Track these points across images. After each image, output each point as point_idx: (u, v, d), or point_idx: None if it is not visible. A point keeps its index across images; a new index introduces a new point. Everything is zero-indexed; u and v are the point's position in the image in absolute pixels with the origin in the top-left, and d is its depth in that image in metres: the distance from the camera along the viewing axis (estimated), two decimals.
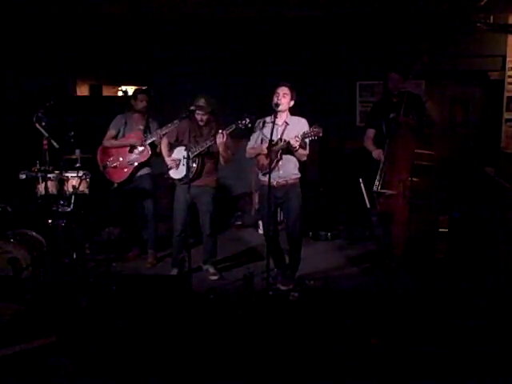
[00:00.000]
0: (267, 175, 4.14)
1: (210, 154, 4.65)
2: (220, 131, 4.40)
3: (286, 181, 4.38)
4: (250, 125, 4.34)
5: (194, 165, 4.55)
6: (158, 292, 4.16)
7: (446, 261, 4.93)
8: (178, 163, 4.67)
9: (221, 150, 4.53)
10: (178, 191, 4.73)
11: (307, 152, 4.37)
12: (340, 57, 6.66)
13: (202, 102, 4.51)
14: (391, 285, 4.44)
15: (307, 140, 4.25)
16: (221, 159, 4.66)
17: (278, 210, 4.80)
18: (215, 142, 4.47)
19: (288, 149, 4.24)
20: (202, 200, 4.70)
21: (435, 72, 6.11)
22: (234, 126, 4.38)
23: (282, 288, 4.46)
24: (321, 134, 4.10)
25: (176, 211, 4.73)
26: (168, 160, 4.71)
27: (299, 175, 4.47)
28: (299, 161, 4.41)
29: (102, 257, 5.32)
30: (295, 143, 4.16)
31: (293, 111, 4.42)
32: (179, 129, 4.70)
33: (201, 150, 4.53)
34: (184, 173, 4.54)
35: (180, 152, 4.69)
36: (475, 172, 6.17)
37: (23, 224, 4.73)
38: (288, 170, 4.37)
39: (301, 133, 4.18)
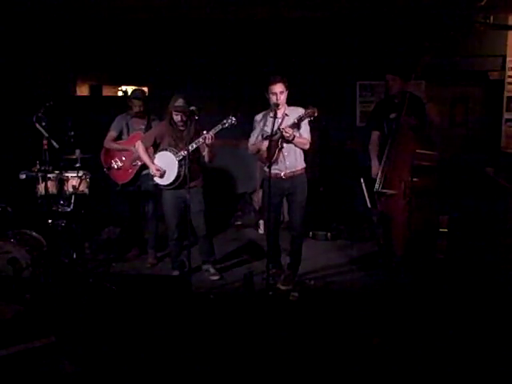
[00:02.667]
0: (273, 168, 4.19)
1: (195, 156, 4.54)
2: (205, 132, 4.32)
3: (293, 172, 4.39)
4: (235, 123, 4.28)
5: (181, 169, 4.43)
6: (158, 292, 4.16)
7: (446, 261, 4.93)
8: (162, 173, 4.52)
9: (206, 150, 4.47)
10: (166, 196, 4.64)
11: (308, 139, 4.35)
12: (340, 57, 6.66)
13: (181, 101, 4.39)
14: (391, 285, 4.45)
15: (304, 125, 4.27)
16: (206, 158, 4.57)
17: (281, 210, 4.77)
18: (201, 144, 4.39)
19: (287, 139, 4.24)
20: (193, 201, 4.54)
21: (435, 72, 6.11)
22: (220, 127, 4.31)
23: (282, 288, 4.45)
24: (316, 114, 4.12)
25: (168, 216, 4.66)
26: (153, 168, 4.53)
27: (304, 165, 4.47)
28: (304, 151, 4.41)
29: (102, 257, 5.33)
30: (285, 134, 4.16)
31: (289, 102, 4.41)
32: (156, 132, 4.60)
33: (187, 153, 4.30)
34: (171, 179, 4.48)
35: (161, 158, 4.55)
36: (475, 172, 6.17)
37: (23, 224, 4.72)
38: (294, 160, 4.38)
39: (296, 117, 4.20)
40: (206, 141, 4.33)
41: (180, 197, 4.51)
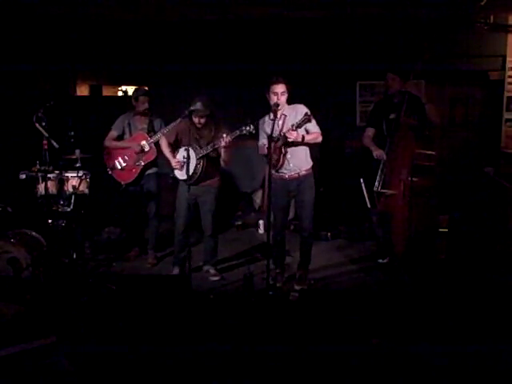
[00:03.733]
0: (278, 171, 4.26)
1: (213, 156, 4.63)
2: (224, 136, 4.39)
3: (298, 173, 4.38)
4: (253, 131, 4.34)
5: (199, 166, 4.54)
6: (158, 292, 4.16)
7: (446, 261, 4.93)
8: (182, 165, 4.62)
9: (223, 152, 4.56)
10: (181, 190, 4.70)
11: (318, 132, 4.31)
12: (340, 57, 6.66)
13: (199, 105, 4.47)
14: (391, 284, 4.45)
15: (310, 124, 4.21)
16: (221, 162, 4.68)
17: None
18: (219, 145, 4.47)
19: (293, 141, 4.21)
20: (205, 199, 4.70)
21: (435, 72, 6.11)
22: (237, 132, 4.38)
23: (297, 287, 4.43)
24: (309, 114, 4.11)
25: (179, 210, 4.71)
26: (173, 161, 4.68)
27: (311, 163, 4.46)
28: (310, 148, 4.40)
29: (102, 257, 5.34)
30: (290, 136, 4.14)
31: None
32: (179, 129, 4.69)
33: (206, 152, 4.52)
34: (190, 173, 4.54)
35: (182, 153, 4.62)
36: (475, 172, 6.17)
37: (23, 224, 4.72)
38: (298, 161, 4.36)
39: (294, 123, 4.16)
40: (223, 143, 4.42)
41: (193, 193, 4.55)
